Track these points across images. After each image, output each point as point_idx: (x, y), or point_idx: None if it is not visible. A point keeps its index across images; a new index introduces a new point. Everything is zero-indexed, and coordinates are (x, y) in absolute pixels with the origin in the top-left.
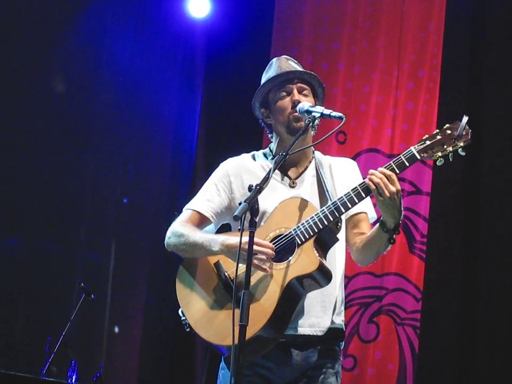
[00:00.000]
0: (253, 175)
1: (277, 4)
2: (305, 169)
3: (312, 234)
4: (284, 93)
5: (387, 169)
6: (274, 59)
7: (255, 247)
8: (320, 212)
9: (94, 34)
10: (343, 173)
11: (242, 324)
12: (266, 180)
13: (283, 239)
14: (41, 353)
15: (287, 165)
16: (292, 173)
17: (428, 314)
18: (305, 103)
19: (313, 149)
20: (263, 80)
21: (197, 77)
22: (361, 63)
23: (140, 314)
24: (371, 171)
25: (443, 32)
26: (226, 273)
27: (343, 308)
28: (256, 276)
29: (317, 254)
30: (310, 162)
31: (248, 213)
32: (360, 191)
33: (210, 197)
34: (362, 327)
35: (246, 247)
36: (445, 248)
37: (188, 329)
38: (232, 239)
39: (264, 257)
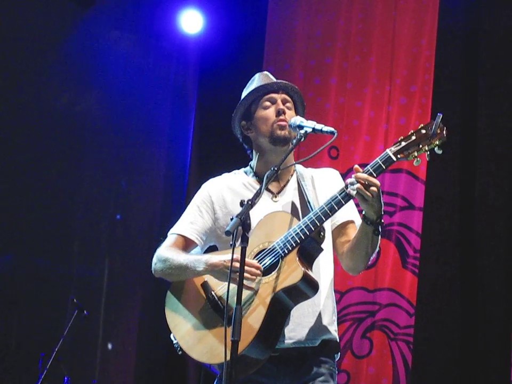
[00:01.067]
0: (235, 193)
1: (269, 19)
2: (287, 183)
3: (294, 245)
4: (268, 103)
5: (365, 173)
6: (256, 74)
7: (237, 265)
8: (302, 223)
9: (86, 50)
10: (325, 183)
11: (234, 339)
12: (258, 195)
13: (267, 253)
14: (34, 369)
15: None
16: (273, 187)
17: (421, 329)
18: (297, 117)
19: (294, 162)
20: (244, 94)
21: (190, 92)
22: (353, 78)
23: (134, 330)
24: (348, 180)
25: (435, 48)
26: (213, 292)
27: (335, 317)
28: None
29: (301, 265)
30: (292, 175)
31: (240, 228)
32: (340, 199)
33: (193, 219)
34: (356, 342)
35: (228, 264)
36: (438, 263)
37: (180, 352)
38: (215, 257)
39: (252, 277)
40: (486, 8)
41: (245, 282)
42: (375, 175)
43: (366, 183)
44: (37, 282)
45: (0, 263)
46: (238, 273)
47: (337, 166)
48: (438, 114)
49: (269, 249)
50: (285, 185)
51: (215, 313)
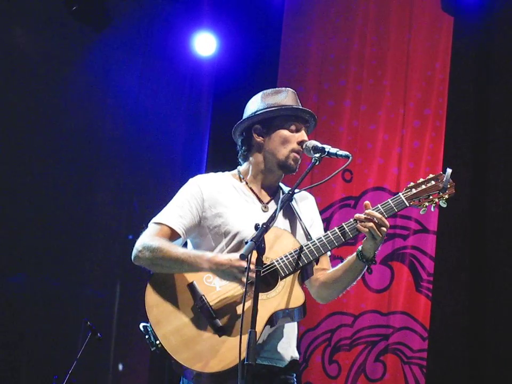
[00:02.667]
0: (225, 195)
1: (283, 41)
2: (274, 196)
3: (296, 268)
4: (294, 127)
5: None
6: (284, 88)
7: (245, 265)
8: (306, 247)
9: (100, 72)
10: (304, 206)
11: (249, 363)
12: (273, 219)
13: (264, 268)
14: None
15: (258, 187)
16: (263, 197)
17: (435, 353)
18: (312, 141)
19: (280, 180)
20: (269, 101)
21: (204, 114)
22: (367, 101)
23: (145, 351)
24: (357, 215)
25: (449, 71)
26: (203, 297)
27: (296, 341)
28: (233, 305)
29: (302, 290)
30: (277, 190)
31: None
32: (348, 231)
33: (182, 213)
34: (369, 365)
35: (236, 264)
36: (451, 287)
37: (152, 348)
38: (220, 255)
39: (252, 275)
40: (499, 30)
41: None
42: (386, 215)
43: (379, 222)
44: (49, 303)
45: (12, 283)
46: (245, 273)
47: (351, 189)
48: (448, 169)
49: (268, 265)
50: (272, 198)
51: (205, 319)
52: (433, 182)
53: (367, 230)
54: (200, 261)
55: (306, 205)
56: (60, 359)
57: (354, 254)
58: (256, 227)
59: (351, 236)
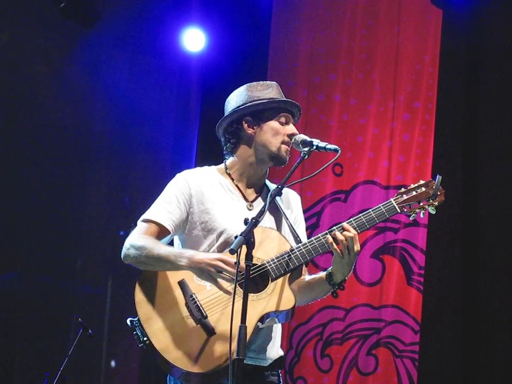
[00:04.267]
0: (212, 191)
1: (272, 36)
2: (260, 194)
3: (288, 270)
4: (283, 119)
5: (365, 217)
6: (272, 82)
7: (221, 265)
8: (297, 250)
9: (89, 68)
10: (289, 206)
11: (239, 357)
12: (262, 213)
13: (257, 269)
14: None
15: (243, 186)
16: (247, 194)
17: (426, 346)
18: (301, 135)
19: (267, 175)
20: (260, 94)
21: (193, 110)
22: (357, 95)
23: (137, 347)
24: (334, 231)
25: (438, 64)
26: (194, 296)
27: (280, 339)
28: (223, 305)
29: (292, 292)
30: (263, 187)
31: (244, 246)
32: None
33: (171, 209)
34: (361, 359)
35: (213, 262)
36: (442, 280)
37: (140, 345)
38: (200, 254)
39: (228, 276)
40: (488, 24)
41: (220, 281)
42: (377, 221)
43: (351, 239)
44: (40, 300)
45: (4, 281)
46: (220, 273)
47: (342, 183)
48: (438, 176)
49: (258, 266)
50: (258, 196)
51: (195, 318)
52: (423, 189)
53: (336, 246)
54: (180, 259)
55: (290, 203)
56: (52, 356)
57: (323, 273)
58: (246, 222)
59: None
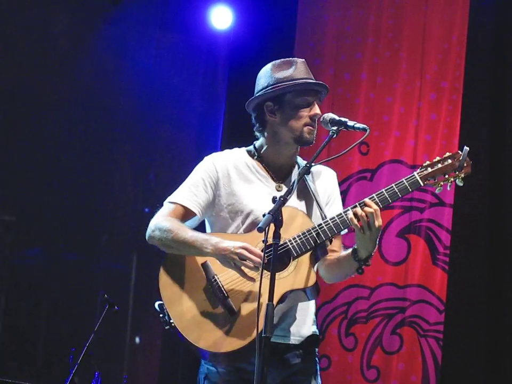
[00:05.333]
0: (239, 173)
1: (299, 14)
2: (289, 173)
3: (309, 248)
4: (305, 101)
5: (387, 192)
6: (294, 59)
7: (245, 253)
8: (319, 227)
9: (116, 43)
10: (322, 183)
11: (267, 335)
12: (290, 191)
13: (278, 248)
14: (65, 364)
15: (272, 165)
16: (277, 176)
17: (451, 326)
18: (329, 113)
19: (297, 154)
20: (278, 75)
21: (219, 87)
22: (383, 74)
23: (160, 325)
24: (356, 207)
25: (465, 44)
26: (216, 277)
27: (315, 316)
28: (245, 285)
29: (314, 269)
30: (293, 166)
31: (272, 224)
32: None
33: (197, 191)
34: (386, 338)
35: (237, 251)
36: (468, 260)
37: (167, 327)
38: (226, 242)
39: (251, 264)
40: None
41: (243, 268)
42: (400, 195)
43: (372, 214)
44: (65, 276)
45: (29, 257)
46: (243, 261)
47: (368, 162)
48: (465, 148)
49: (281, 245)
50: (288, 175)
51: (217, 299)
52: (449, 161)
53: (356, 222)
54: (206, 245)
55: (324, 181)
56: (77, 332)
57: (350, 250)
58: (274, 200)
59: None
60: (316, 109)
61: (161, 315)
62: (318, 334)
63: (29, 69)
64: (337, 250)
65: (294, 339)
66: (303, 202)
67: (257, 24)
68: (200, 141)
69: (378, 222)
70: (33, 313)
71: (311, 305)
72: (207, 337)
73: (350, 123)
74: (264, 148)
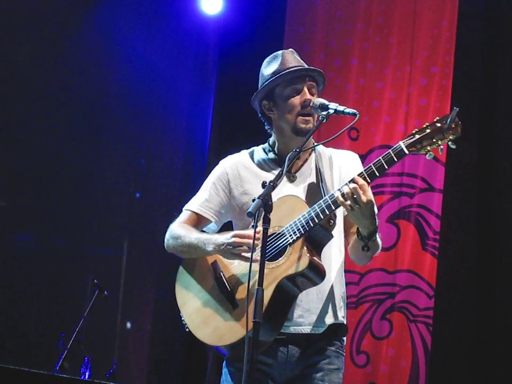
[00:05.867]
0: (251, 171)
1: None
2: (305, 162)
3: (302, 232)
4: (294, 90)
5: (375, 166)
6: (280, 52)
7: (237, 240)
8: (312, 210)
9: (107, 28)
10: (342, 166)
11: (256, 320)
12: (280, 176)
13: (276, 238)
14: (55, 349)
15: (286, 158)
16: (292, 166)
17: (440, 311)
18: (320, 99)
19: (314, 141)
20: (266, 72)
21: (210, 72)
22: (374, 59)
23: (151, 309)
24: (343, 185)
25: (456, 29)
26: (221, 273)
27: (343, 303)
28: (246, 277)
29: (308, 253)
30: (310, 154)
31: (262, 209)
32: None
33: (208, 196)
34: (375, 323)
35: (230, 241)
36: (457, 245)
37: (187, 330)
38: (222, 237)
39: (246, 248)
40: None
41: (246, 255)
42: (386, 167)
43: (358, 189)
44: (56, 261)
45: (20, 243)
46: (238, 248)
47: (358, 147)
48: (455, 108)
49: (279, 234)
50: (302, 165)
51: (221, 294)
52: (438, 125)
53: (342, 199)
54: (208, 244)
55: (343, 164)
56: (67, 317)
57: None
58: (263, 184)
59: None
60: (305, 95)
61: (182, 318)
62: (343, 323)
63: (19, 55)
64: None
65: (313, 328)
66: (314, 189)
67: (247, 10)
68: (190, 124)
69: (365, 197)
70: (23, 298)
71: (332, 292)
72: (213, 333)
73: (340, 108)
74: (276, 143)
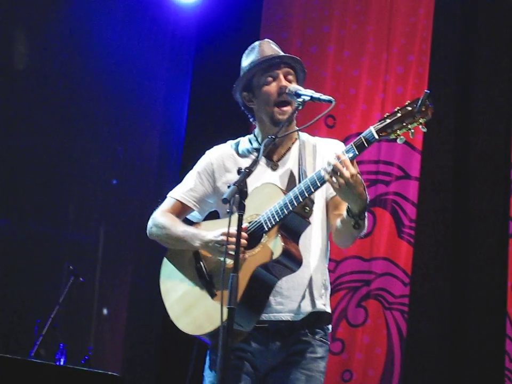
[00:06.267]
0: (235, 161)
1: None
2: (288, 150)
3: (278, 220)
4: (270, 78)
5: (346, 151)
6: (256, 43)
7: (225, 239)
8: (286, 197)
9: (83, 16)
10: (326, 156)
11: (231, 307)
12: (255, 163)
13: (253, 226)
14: (30, 336)
15: (269, 148)
16: (274, 155)
17: (416, 299)
18: (295, 85)
19: (296, 128)
20: (244, 64)
21: (186, 60)
22: (350, 47)
23: (127, 295)
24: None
25: (432, 17)
26: (201, 263)
27: (325, 291)
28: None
29: (282, 240)
30: (293, 143)
31: (237, 195)
32: (316, 179)
33: (193, 185)
34: (351, 311)
35: (218, 239)
36: (433, 233)
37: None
38: (210, 234)
39: (233, 246)
40: None
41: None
42: (357, 152)
43: (341, 165)
44: (32, 247)
45: None
46: (228, 246)
47: (334, 135)
48: (426, 91)
49: (256, 222)
50: (285, 153)
51: (201, 283)
52: (409, 108)
53: (328, 176)
54: (195, 240)
55: (327, 152)
56: (43, 304)
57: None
58: (239, 171)
59: (319, 185)
60: (281, 81)
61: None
62: (325, 311)
63: None
64: (343, 213)
65: (293, 316)
66: (296, 177)
67: None
68: (166, 112)
69: (349, 171)
70: None
71: (312, 280)
72: (193, 322)
73: (316, 95)
74: (259, 131)
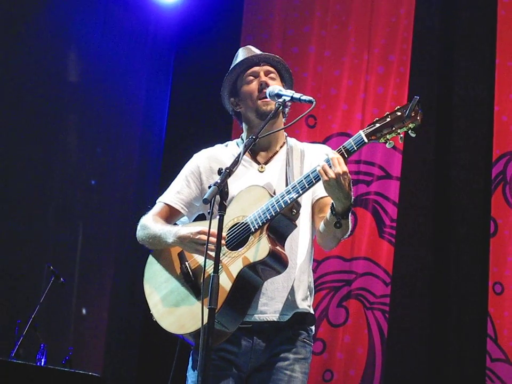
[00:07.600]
0: (222, 165)
1: None
2: (275, 154)
3: (265, 221)
4: (251, 77)
5: (336, 154)
6: (240, 49)
7: (202, 237)
8: (274, 199)
9: (63, 16)
10: (314, 162)
11: (211, 307)
12: (236, 163)
13: (239, 227)
14: (10, 336)
15: (257, 149)
16: (261, 157)
17: (397, 298)
18: (275, 86)
19: (286, 135)
20: (229, 70)
21: (167, 61)
22: (331, 47)
23: (107, 295)
24: (323, 159)
25: (413, 17)
26: (187, 263)
27: (309, 292)
28: (211, 266)
29: (269, 241)
30: (281, 147)
31: (218, 196)
32: (312, 177)
33: (180, 189)
34: (332, 311)
35: (197, 237)
36: (414, 233)
37: (154, 320)
38: (184, 229)
39: (212, 247)
40: None
41: (209, 252)
42: (346, 156)
43: (331, 165)
44: (12, 247)
45: None
46: (205, 246)
47: (315, 135)
48: (415, 97)
49: (242, 223)
50: (272, 156)
51: (185, 283)
52: (399, 113)
53: (322, 170)
54: (169, 236)
55: (315, 157)
56: (23, 304)
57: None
58: (219, 171)
59: (314, 182)
60: (262, 77)
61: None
62: (309, 312)
63: None
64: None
65: (278, 317)
66: (284, 180)
67: None
68: (147, 113)
69: (341, 168)
70: None
71: (298, 281)
72: (177, 321)
73: (296, 95)
74: (246, 134)
